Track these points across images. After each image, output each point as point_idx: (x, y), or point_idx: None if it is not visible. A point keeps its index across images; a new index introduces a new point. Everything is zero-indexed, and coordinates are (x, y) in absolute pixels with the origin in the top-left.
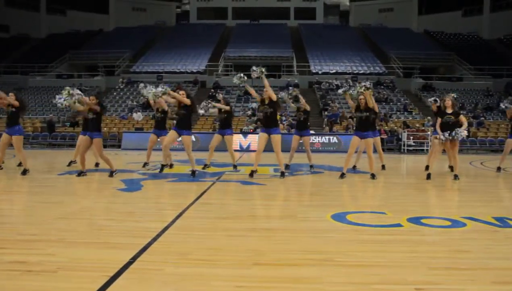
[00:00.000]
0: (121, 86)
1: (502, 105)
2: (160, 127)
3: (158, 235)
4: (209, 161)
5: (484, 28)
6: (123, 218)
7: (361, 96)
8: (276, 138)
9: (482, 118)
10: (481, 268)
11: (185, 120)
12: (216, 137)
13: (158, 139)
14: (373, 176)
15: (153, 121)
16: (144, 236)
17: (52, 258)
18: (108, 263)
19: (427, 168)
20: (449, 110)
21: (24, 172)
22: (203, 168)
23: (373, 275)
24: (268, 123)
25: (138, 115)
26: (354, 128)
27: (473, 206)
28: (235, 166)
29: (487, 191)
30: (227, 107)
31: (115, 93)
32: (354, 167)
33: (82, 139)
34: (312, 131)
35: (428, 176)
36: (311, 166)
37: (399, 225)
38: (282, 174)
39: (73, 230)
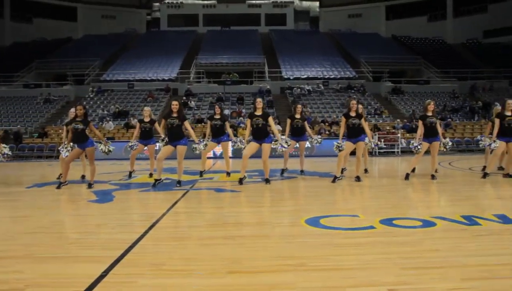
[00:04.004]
0: (91, 95)
1: None
2: (146, 137)
3: (131, 247)
4: (203, 168)
5: (448, 33)
6: (94, 230)
7: (354, 102)
8: (266, 147)
9: (449, 119)
10: (450, 266)
11: (179, 130)
12: (211, 145)
13: (145, 148)
14: (358, 179)
15: (124, 130)
16: (116, 248)
17: (20, 275)
18: (80, 278)
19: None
20: (430, 113)
21: None
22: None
23: (347, 278)
24: (259, 135)
25: (109, 125)
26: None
27: (443, 205)
28: (228, 173)
29: (456, 191)
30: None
31: (85, 103)
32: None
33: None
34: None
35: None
36: (302, 171)
37: (372, 227)
38: (267, 181)
39: (42, 245)
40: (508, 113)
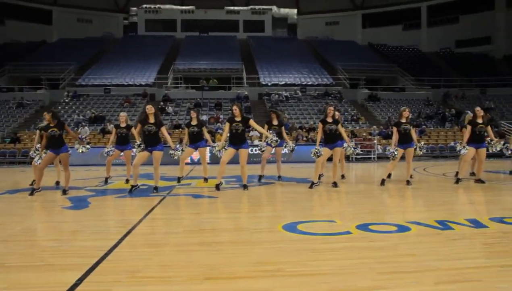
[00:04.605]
0: (67, 100)
1: None
2: (123, 143)
3: (107, 254)
4: (182, 174)
5: (422, 42)
6: (69, 237)
7: (331, 108)
8: (245, 152)
9: (424, 126)
10: (425, 270)
11: (156, 136)
12: (189, 151)
13: (121, 154)
14: (335, 184)
15: (100, 136)
16: (91, 255)
17: None
18: (53, 286)
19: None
20: (404, 120)
21: None
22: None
23: (324, 283)
24: (237, 141)
25: (84, 130)
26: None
27: (418, 211)
28: (206, 179)
29: (430, 196)
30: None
31: (60, 107)
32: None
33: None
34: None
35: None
36: (279, 177)
37: (348, 232)
38: (245, 187)
39: (14, 253)
40: (479, 121)
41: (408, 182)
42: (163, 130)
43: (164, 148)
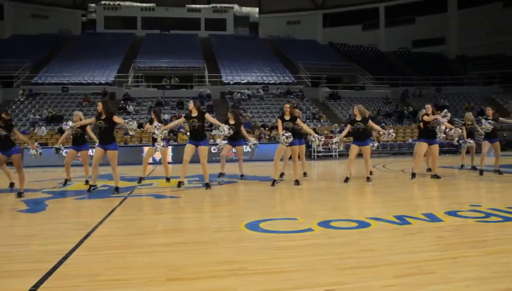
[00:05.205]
0: (21, 99)
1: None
2: (79, 143)
3: (65, 258)
4: (144, 175)
5: (381, 41)
6: (24, 242)
7: (287, 105)
8: (204, 150)
9: (383, 124)
10: (384, 264)
11: (109, 133)
12: (151, 151)
13: (78, 154)
14: (297, 182)
15: (58, 136)
16: (48, 260)
17: None
18: None
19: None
20: (358, 118)
21: None
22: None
23: (286, 280)
24: (195, 136)
25: (41, 130)
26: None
27: (377, 207)
28: (168, 179)
29: (389, 192)
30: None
31: (14, 107)
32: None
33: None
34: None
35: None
36: (242, 176)
37: (310, 230)
38: (207, 186)
39: None
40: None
41: (368, 179)
42: (116, 119)
43: (118, 147)
